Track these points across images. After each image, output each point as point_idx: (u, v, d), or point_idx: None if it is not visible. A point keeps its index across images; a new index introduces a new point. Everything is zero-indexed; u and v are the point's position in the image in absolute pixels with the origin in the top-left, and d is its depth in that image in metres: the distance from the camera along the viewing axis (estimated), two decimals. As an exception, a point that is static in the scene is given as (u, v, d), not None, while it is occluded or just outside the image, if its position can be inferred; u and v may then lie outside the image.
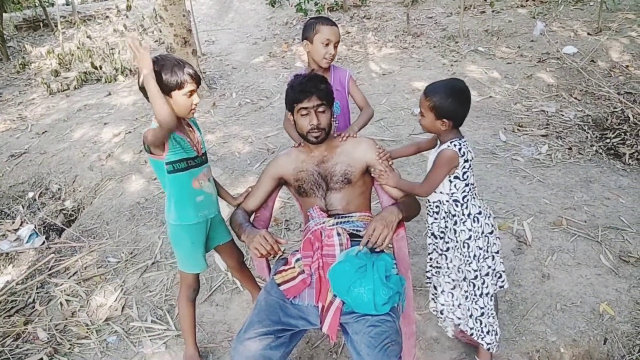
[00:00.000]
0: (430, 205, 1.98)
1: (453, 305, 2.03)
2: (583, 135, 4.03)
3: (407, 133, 4.31)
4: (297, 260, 1.95)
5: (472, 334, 2.02)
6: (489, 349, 2.02)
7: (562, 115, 4.36)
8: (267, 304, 1.85)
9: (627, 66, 5.11)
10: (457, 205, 1.88)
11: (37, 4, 9.45)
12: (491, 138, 4.06)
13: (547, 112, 4.44)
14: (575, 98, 4.66)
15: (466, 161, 1.84)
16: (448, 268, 1.97)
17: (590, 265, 2.65)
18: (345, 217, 2.01)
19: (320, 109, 1.95)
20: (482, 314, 1.96)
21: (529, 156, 3.76)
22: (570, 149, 3.82)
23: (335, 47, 2.38)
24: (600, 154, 3.73)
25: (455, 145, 1.82)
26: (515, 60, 5.64)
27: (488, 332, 1.98)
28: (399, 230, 1.93)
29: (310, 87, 1.94)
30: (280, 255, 2.04)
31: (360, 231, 1.98)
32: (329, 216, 2.00)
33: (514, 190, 3.33)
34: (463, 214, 1.88)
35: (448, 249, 1.94)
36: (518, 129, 4.19)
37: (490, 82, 5.19)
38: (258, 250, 1.80)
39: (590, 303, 2.42)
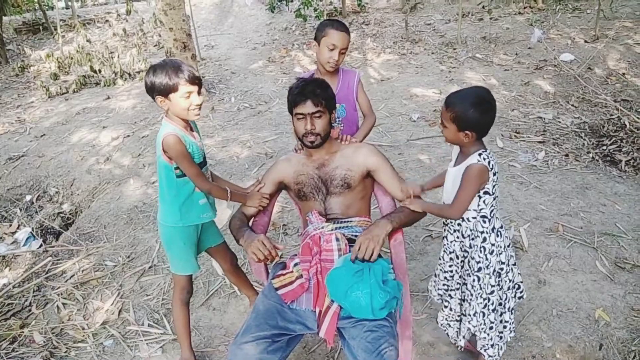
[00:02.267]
0: (451, 223, 1.89)
1: (484, 324, 1.90)
2: (580, 142, 4.05)
3: (405, 139, 4.33)
4: (296, 264, 1.95)
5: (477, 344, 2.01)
6: None
7: (559, 122, 4.39)
8: (264, 308, 1.85)
9: (624, 74, 5.15)
10: (485, 222, 1.79)
11: (36, 8, 9.47)
12: (488, 144, 4.06)
13: (544, 118, 4.47)
14: (572, 105, 4.69)
15: (495, 174, 1.75)
16: (480, 288, 1.85)
17: (586, 271, 2.67)
18: (344, 222, 2.01)
19: (316, 115, 1.95)
20: (491, 327, 1.91)
21: (526, 162, 3.78)
22: (566, 155, 3.84)
23: (342, 53, 2.36)
24: (597, 160, 3.75)
25: (484, 158, 1.71)
26: (513, 67, 5.68)
27: (492, 346, 1.96)
28: (397, 236, 1.94)
29: (306, 93, 1.94)
30: (278, 260, 2.05)
31: (358, 236, 1.99)
32: (328, 221, 2.01)
33: (511, 196, 3.35)
34: (490, 229, 1.81)
35: (480, 268, 1.82)
36: (515, 136, 4.21)
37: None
38: (256, 255, 1.81)
39: (586, 309, 2.43)
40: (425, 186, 2.02)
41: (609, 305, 2.44)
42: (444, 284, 2.02)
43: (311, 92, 1.94)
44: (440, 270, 2.02)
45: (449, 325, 2.09)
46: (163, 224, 2.07)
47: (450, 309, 2.04)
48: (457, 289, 1.98)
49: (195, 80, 1.90)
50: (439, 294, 2.07)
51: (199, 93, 1.93)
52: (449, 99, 1.75)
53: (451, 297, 2.02)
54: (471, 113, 1.68)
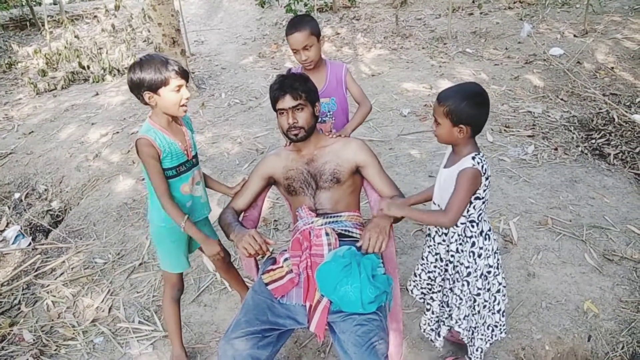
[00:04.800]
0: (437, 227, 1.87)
1: (469, 326, 1.91)
2: (569, 135, 4.08)
3: (396, 133, 4.33)
4: (286, 259, 1.95)
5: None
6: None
7: (549, 116, 4.41)
8: (254, 304, 1.85)
9: (612, 68, 5.18)
10: (473, 226, 1.78)
11: (24, 3, 9.35)
12: (478, 139, 4.07)
13: (534, 113, 4.49)
14: (562, 99, 4.71)
15: (487, 178, 1.72)
16: (470, 293, 1.84)
17: (575, 263, 2.69)
18: (334, 216, 2.02)
19: (297, 108, 1.95)
20: (476, 328, 1.92)
21: (516, 156, 3.80)
22: (556, 149, 3.86)
23: (307, 49, 2.30)
24: (586, 154, 3.78)
25: (478, 162, 1.68)
26: (503, 62, 5.70)
27: (477, 349, 1.96)
28: (387, 230, 1.94)
29: (284, 87, 1.95)
30: (269, 255, 2.04)
31: (348, 231, 1.99)
32: (318, 215, 2.01)
33: (501, 190, 3.36)
34: (478, 233, 1.80)
35: (469, 273, 1.81)
36: (505, 130, 4.23)
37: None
38: (246, 250, 1.81)
39: (574, 301, 2.45)
40: (412, 201, 1.96)
41: (598, 297, 2.46)
42: (427, 283, 1.99)
43: (289, 86, 1.94)
44: (423, 270, 1.99)
45: (431, 329, 2.06)
46: (151, 222, 2.06)
47: (432, 312, 2.01)
48: (439, 292, 1.95)
49: (185, 73, 1.87)
50: (422, 293, 2.04)
51: (187, 87, 1.89)
52: (441, 94, 1.72)
53: (433, 300, 1.99)
54: (465, 105, 1.65)
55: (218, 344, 1.87)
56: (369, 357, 1.62)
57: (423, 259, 1.98)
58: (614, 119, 4.16)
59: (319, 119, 2.49)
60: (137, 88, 1.84)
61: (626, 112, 4.19)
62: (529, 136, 4.10)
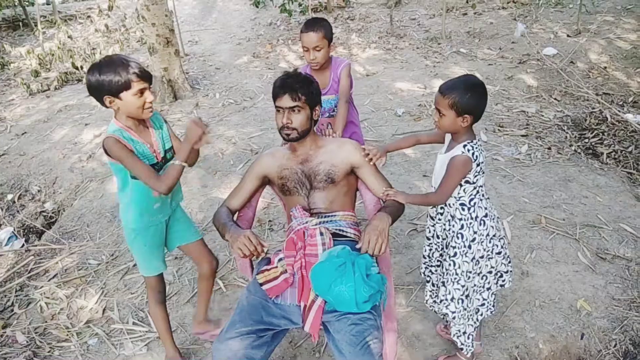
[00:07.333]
0: (434, 207, 1.98)
1: (465, 310, 1.97)
2: (562, 135, 4.10)
3: (390, 133, 4.34)
4: (280, 259, 1.95)
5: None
6: (461, 349, 2.06)
7: (542, 116, 4.43)
8: (249, 304, 1.85)
9: (605, 67, 5.21)
10: (463, 209, 1.86)
11: (16, 3, 9.29)
12: (473, 138, 4.11)
13: (527, 112, 4.51)
14: (555, 99, 4.74)
15: (478, 165, 1.81)
16: (457, 274, 1.92)
17: (568, 262, 2.70)
18: (328, 216, 2.01)
19: (294, 109, 1.95)
20: (463, 315, 1.97)
21: (509, 156, 3.82)
22: (549, 148, 3.88)
23: (317, 50, 2.45)
24: (579, 153, 3.80)
25: (468, 150, 1.78)
26: (497, 62, 5.72)
27: (464, 333, 2.01)
28: (381, 230, 1.94)
29: (285, 87, 1.94)
30: (264, 256, 2.04)
31: (343, 231, 1.99)
32: (312, 215, 2.01)
33: (494, 190, 3.38)
34: (471, 217, 1.86)
35: (455, 254, 1.90)
36: (499, 129, 4.25)
37: (472, 83, 5.24)
38: (241, 251, 1.80)
39: (568, 299, 2.47)
40: (390, 147, 2.11)
41: (591, 296, 2.48)
42: (428, 259, 2.10)
43: (290, 86, 1.94)
44: (425, 248, 2.10)
45: (434, 302, 2.12)
46: (124, 225, 2.02)
47: (433, 284, 2.11)
48: (438, 266, 2.05)
49: (147, 76, 1.80)
50: (423, 274, 2.15)
51: (150, 90, 1.82)
52: (444, 86, 1.80)
53: (432, 273, 2.09)
54: (469, 97, 1.74)
55: (212, 344, 1.86)
56: (363, 356, 1.62)
57: (426, 239, 2.09)
58: (607, 118, 4.19)
59: (327, 114, 2.55)
60: (97, 92, 1.77)
61: (619, 111, 4.22)
62: (522, 135, 4.12)
